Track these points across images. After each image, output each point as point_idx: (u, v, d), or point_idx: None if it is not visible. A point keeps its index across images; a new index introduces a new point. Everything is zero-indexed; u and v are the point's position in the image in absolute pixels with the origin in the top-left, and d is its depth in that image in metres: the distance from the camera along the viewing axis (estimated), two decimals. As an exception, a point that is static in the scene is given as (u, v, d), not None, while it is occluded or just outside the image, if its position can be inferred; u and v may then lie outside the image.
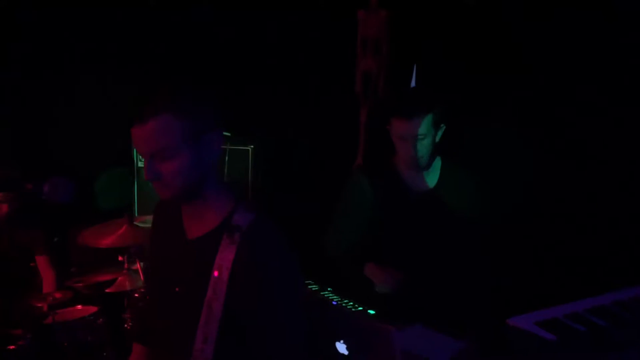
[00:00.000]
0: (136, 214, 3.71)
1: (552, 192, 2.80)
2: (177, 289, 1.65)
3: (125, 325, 3.12)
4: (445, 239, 2.43)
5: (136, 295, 3.12)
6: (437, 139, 2.41)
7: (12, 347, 2.91)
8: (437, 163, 2.50)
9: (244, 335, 1.56)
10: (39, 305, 2.99)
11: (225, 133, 3.61)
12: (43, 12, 3.92)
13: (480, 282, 2.42)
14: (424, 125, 2.32)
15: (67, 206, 3.69)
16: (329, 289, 2.63)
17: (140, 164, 3.76)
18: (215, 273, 1.53)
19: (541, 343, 1.74)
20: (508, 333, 1.85)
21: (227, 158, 3.62)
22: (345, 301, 2.48)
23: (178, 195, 1.58)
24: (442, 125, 2.40)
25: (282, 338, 1.57)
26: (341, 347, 2.01)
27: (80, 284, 3.12)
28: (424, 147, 2.35)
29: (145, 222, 3.11)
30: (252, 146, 3.63)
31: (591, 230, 2.67)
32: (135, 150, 3.68)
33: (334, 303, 2.44)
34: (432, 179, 2.49)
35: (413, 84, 3.34)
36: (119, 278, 3.10)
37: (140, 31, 4.00)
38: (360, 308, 2.36)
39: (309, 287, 2.74)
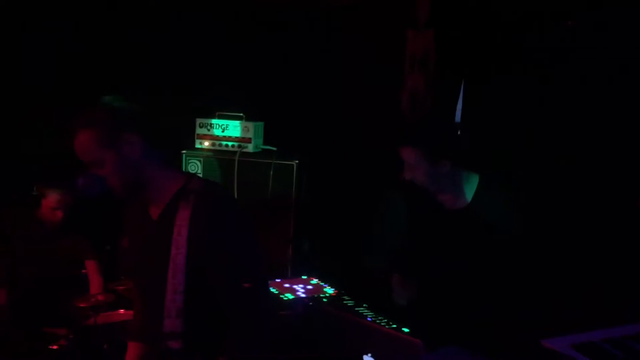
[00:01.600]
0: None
1: (593, 210, 2.70)
2: (148, 264, 1.85)
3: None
4: (480, 256, 2.37)
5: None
6: (442, 172, 2.35)
7: (54, 346, 3.02)
8: (474, 179, 2.45)
9: (207, 280, 1.76)
10: (82, 306, 3.07)
11: (271, 147, 3.74)
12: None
13: (515, 301, 2.34)
14: (410, 155, 2.32)
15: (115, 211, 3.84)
16: (364, 305, 2.62)
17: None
18: (176, 232, 1.74)
19: (575, 366, 1.67)
20: (542, 354, 1.79)
21: (271, 172, 3.66)
22: (380, 317, 2.46)
23: (125, 192, 1.82)
24: (444, 161, 2.34)
25: (242, 278, 1.77)
26: (369, 361, 1.98)
27: (123, 287, 3.20)
28: (417, 175, 2.34)
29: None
30: (296, 161, 3.66)
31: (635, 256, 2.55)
32: (184, 154, 3.79)
33: (369, 319, 2.42)
34: (468, 195, 2.44)
35: (460, 101, 3.30)
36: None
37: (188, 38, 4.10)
38: (395, 325, 2.34)
39: (345, 302, 2.74)
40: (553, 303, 2.36)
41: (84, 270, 3.59)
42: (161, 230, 1.80)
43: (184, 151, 3.80)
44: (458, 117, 3.56)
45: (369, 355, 1.98)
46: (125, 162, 1.78)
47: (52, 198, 3.32)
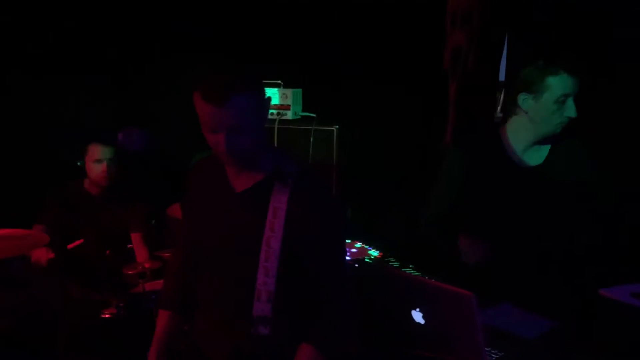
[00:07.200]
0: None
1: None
2: (230, 239, 1.77)
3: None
4: (551, 215, 2.27)
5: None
6: None
7: (106, 315, 3.07)
8: None
9: (300, 267, 1.73)
10: (130, 273, 3.11)
11: (310, 114, 3.70)
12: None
13: (580, 259, 2.25)
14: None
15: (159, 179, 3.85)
16: (410, 266, 2.57)
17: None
18: (271, 214, 1.68)
19: (636, 313, 1.60)
20: (600, 304, 1.72)
21: (312, 139, 3.63)
22: (427, 277, 2.41)
23: (246, 159, 1.70)
24: None
25: (336, 269, 1.77)
26: (417, 316, 1.93)
27: (168, 255, 3.23)
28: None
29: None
30: (337, 126, 3.61)
31: None
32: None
33: (415, 278, 2.38)
34: (542, 153, 2.35)
35: (504, 56, 3.18)
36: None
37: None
38: (443, 285, 2.28)
39: (390, 263, 2.69)
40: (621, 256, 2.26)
41: (129, 245, 3.63)
42: (249, 207, 1.72)
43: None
44: (502, 75, 3.44)
45: (417, 310, 1.94)
46: (262, 131, 1.69)
47: (94, 149, 3.36)
